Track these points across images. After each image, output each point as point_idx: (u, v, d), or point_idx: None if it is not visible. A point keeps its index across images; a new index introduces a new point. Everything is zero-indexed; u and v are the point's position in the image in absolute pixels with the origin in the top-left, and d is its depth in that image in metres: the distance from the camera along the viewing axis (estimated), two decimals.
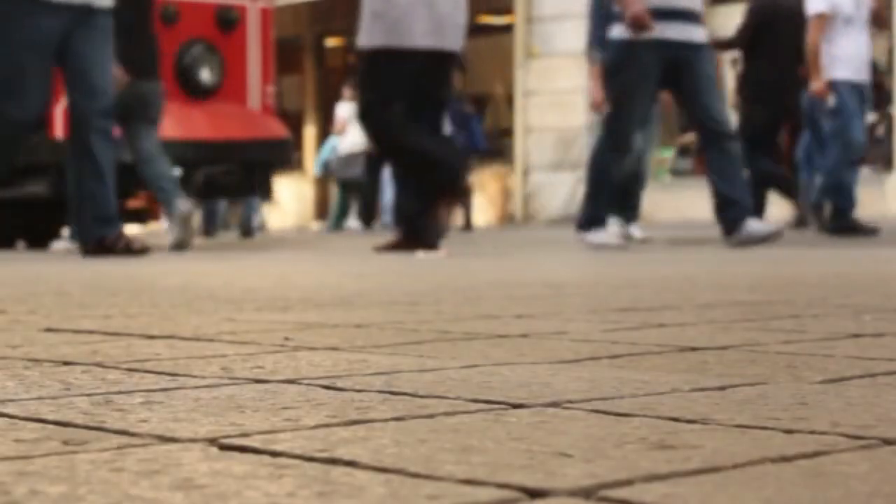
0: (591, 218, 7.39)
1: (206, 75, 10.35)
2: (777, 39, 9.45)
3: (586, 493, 0.90)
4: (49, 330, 2.27)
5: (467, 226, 15.51)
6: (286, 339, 2.06)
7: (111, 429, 1.19)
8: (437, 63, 6.89)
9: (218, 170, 10.26)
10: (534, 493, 0.90)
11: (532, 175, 19.33)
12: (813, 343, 1.95)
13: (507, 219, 20.11)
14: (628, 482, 0.93)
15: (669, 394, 1.40)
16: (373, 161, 15.83)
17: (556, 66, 18.95)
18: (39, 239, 11.07)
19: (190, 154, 10.04)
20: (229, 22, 10.53)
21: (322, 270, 5.12)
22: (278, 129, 10.80)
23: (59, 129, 9.90)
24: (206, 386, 1.50)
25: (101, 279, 4.32)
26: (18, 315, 2.61)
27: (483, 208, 20.85)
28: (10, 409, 1.32)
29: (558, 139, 18.59)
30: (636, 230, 9.70)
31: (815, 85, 9.07)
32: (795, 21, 9.39)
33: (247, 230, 15.38)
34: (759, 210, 8.19)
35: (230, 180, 10.57)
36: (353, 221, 18.13)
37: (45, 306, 2.88)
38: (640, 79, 7.12)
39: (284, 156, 10.91)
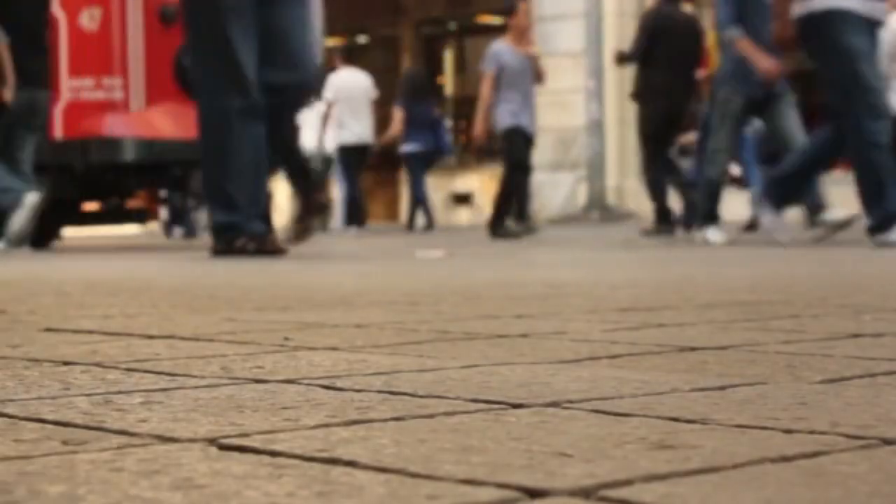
0: (887, 216, 6.71)
1: None
2: (670, 49, 10.27)
3: (586, 493, 0.90)
4: (49, 330, 2.27)
5: (429, 225, 15.50)
6: (286, 338, 2.06)
7: (111, 429, 1.19)
8: None
9: None
10: (533, 493, 0.90)
11: (532, 175, 19.31)
12: (812, 343, 1.95)
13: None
14: (628, 482, 0.93)
15: (669, 394, 1.40)
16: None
17: (556, 67, 18.94)
18: (38, 239, 11.09)
19: (188, 154, 10.09)
20: None
21: (321, 270, 5.12)
22: None
23: (58, 130, 9.88)
24: (205, 386, 1.50)
25: (101, 279, 4.32)
26: (18, 315, 2.61)
27: (483, 208, 20.83)
28: (9, 409, 1.32)
29: (558, 139, 18.58)
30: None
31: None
32: (689, 31, 10.39)
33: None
34: (712, 216, 8.40)
35: None
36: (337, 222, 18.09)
37: (44, 306, 2.88)
38: (859, 40, 6.86)
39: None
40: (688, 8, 11.03)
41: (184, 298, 3.13)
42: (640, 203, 16.72)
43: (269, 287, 3.75)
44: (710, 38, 11.25)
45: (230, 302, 2.99)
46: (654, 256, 6.20)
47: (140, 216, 11.70)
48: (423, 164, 15.77)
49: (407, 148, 15.56)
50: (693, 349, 1.87)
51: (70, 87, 9.81)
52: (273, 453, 1.06)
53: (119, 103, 9.82)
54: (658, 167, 10.58)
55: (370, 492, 0.91)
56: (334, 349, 1.90)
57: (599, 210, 18.21)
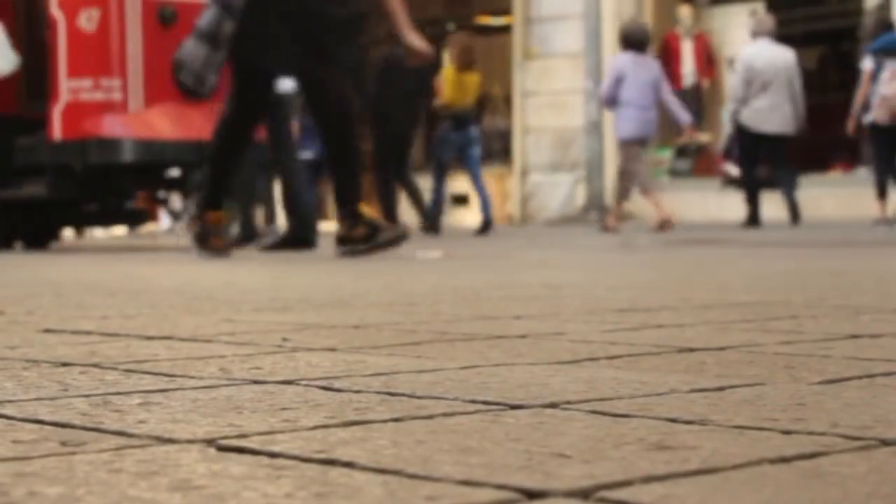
0: None
1: None
2: (395, 82, 12.30)
3: (585, 493, 0.90)
4: (47, 331, 2.27)
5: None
6: (284, 339, 2.06)
7: (109, 430, 1.19)
8: None
9: None
10: (532, 494, 0.90)
11: (530, 176, 19.32)
12: (811, 344, 1.95)
13: (505, 219, 20.10)
14: (627, 483, 0.93)
15: (668, 394, 1.40)
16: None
17: (555, 67, 18.94)
18: (37, 240, 11.02)
19: (187, 154, 9.99)
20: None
21: (320, 271, 5.12)
22: None
23: (57, 131, 9.80)
24: (204, 387, 1.50)
25: (100, 280, 4.32)
26: (17, 316, 2.61)
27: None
28: (8, 410, 1.32)
29: (557, 140, 18.58)
30: None
31: None
32: (411, 69, 11.78)
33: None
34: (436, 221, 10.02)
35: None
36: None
37: (43, 307, 2.88)
38: None
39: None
40: None
41: (182, 299, 3.13)
42: (639, 204, 16.73)
43: (267, 288, 3.75)
44: (445, 73, 13.16)
45: (229, 303, 2.99)
46: (653, 257, 6.20)
47: (138, 217, 11.72)
48: (312, 172, 16.05)
49: (304, 156, 15.93)
50: (691, 350, 1.87)
51: (69, 87, 9.78)
52: (271, 454, 1.05)
53: (118, 104, 9.79)
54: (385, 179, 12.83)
55: (368, 493, 0.91)
56: (333, 350, 1.90)
57: (598, 211, 18.22)
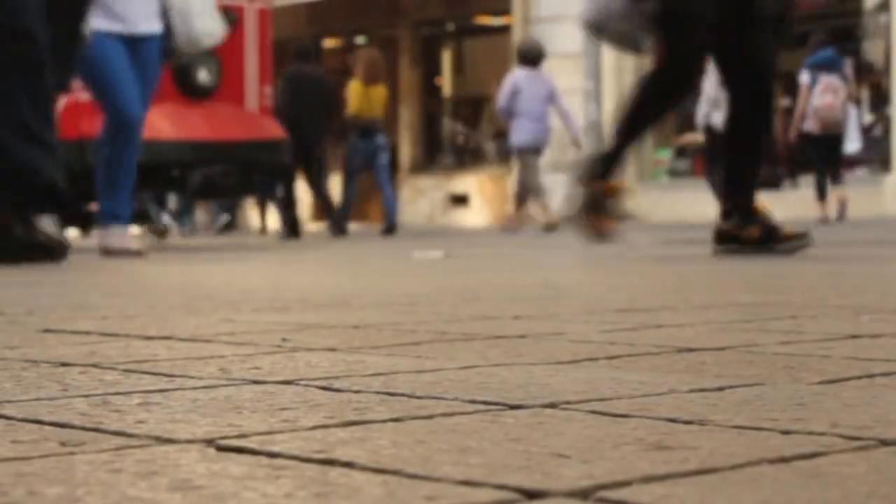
0: None
1: (203, 76, 10.29)
2: (302, 96, 13.51)
3: (584, 494, 0.90)
4: (47, 331, 2.27)
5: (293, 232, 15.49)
6: (284, 339, 2.06)
7: (109, 430, 1.19)
8: None
9: (216, 170, 10.19)
10: (531, 494, 0.90)
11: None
12: (811, 344, 1.95)
13: (504, 220, 20.08)
14: (626, 483, 0.93)
15: (667, 394, 1.40)
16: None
17: (554, 68, 18.94)
18: None
19: (187, 154, 9.94)
20: (226, 23, 10.54)
21: (320, 271, 5.12)
22: (275, 130, 10.75)
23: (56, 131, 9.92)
24: (203, 387, 1.50)
25: (99, 280, 4.32)
26: (16, 316, 2.61)
27: (481, 210, 20.84)
28: (7, 411, 1.32)
29: (556, 140, 18.58)
30: None
31: None
32: (318, 84, 13.80)
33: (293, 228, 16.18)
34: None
35: (228, 181, 10.47)
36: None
37: (42, 307, 2.88)
38: None
39: (280, 157, 10.88)
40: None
41: (182, 299, 3.13)
42: (639, 204, 16.71)
43: (266, 288, 3.75)
44: (351, 86, 14.16)
45: (228, 303, 2.99)
46: (653, 258, 6.20)
47: (137, 218, 11.69)
48: None
49: None
50: (691, 350, 1.87)
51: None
52: (271, 454, 1.06)
53: None
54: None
55: (368, 493, 0.91)
56: (332, 350, 1.90)
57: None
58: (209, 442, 1.12)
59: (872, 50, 17.45)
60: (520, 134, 14.20)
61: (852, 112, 15.37)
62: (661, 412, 1.27)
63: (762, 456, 1.03)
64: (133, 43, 7.24)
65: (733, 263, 5.19)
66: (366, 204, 21.06)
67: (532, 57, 14.35)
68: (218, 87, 10.38)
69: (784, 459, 1.02)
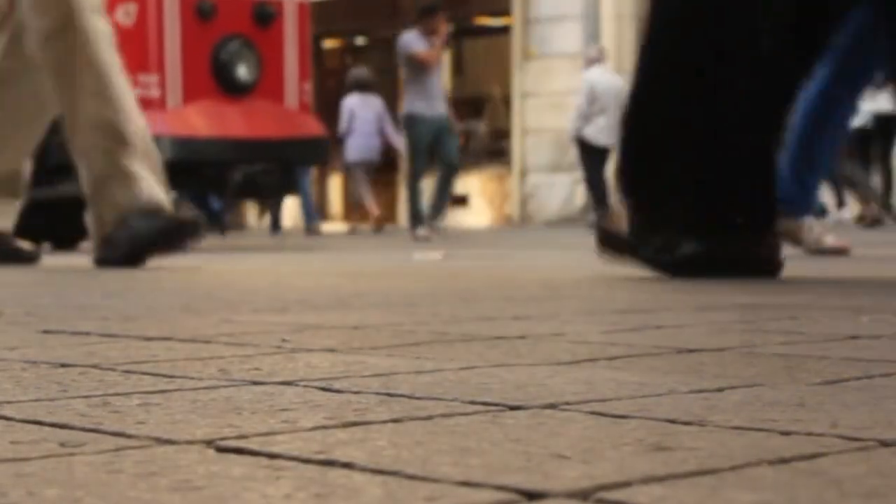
0: None
1: (242, 72, 9.93)
2: None
3: (583, 494, 0.90)
4: (46, 332, 2.27)
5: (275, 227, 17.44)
6: (284, 340, 2.06)
7: (108, 431, 1.19)
8: None
9: (256, 169, 9.84)
10: (531, 495, 0.90)
11: (529, 176, 19.33)
12: (810, 344, 1.95)
13: (504, 220, 20.09)
14: (625, 484, 0.93)
15: (666, 395, 1.40)
16: None
17: (554, 68, 18.95)
18: (66, 240, 10.64)
19: (226, 152, 9.64)
20: (266, 17, 10.06)
21: (320, 272, 5.12)
22: (315, 128, 10.41)
23: None
24: (203, 388, 1.50)
25: (99, 280, 4.32)
26: (16, 317, 2.61)
27: (481, 210, 20.84)
28: (7, 411, 1.32)
29: (556, 141, 18.58)
30: None
31: None
32: None
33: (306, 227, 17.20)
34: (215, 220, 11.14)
35: (269, 180, 10.10)
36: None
37: (42, 308, 2.88)
38: None
39: (321, 155, 10.59)
40: None
41: (182, 300, 3.13)
42: None
43: (266, 289, 3.75)
44: None
45: (228, 303, 2.99)
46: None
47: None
48: None
49: None
50: (690, 351, 1.87)
51: None
52: (271, 455, 1.06)
53: (155, 101, 9.45)
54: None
55: (367, 493, 0.91)
56: (332, 351, 1.90)
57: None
58: (209, 443, 1.12)
59: None
60: (352, 151, 16.78)
61: None
62: (660, 413, 1.27)
63: (762, 457, 1.03)
64: None
65: None
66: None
67: (362, 83, 17.02)
68: (257, 84, 10.01)
69: (783, 460, 1.02)
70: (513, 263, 5.88)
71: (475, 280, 4.17)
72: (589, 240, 5.93)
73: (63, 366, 1.73)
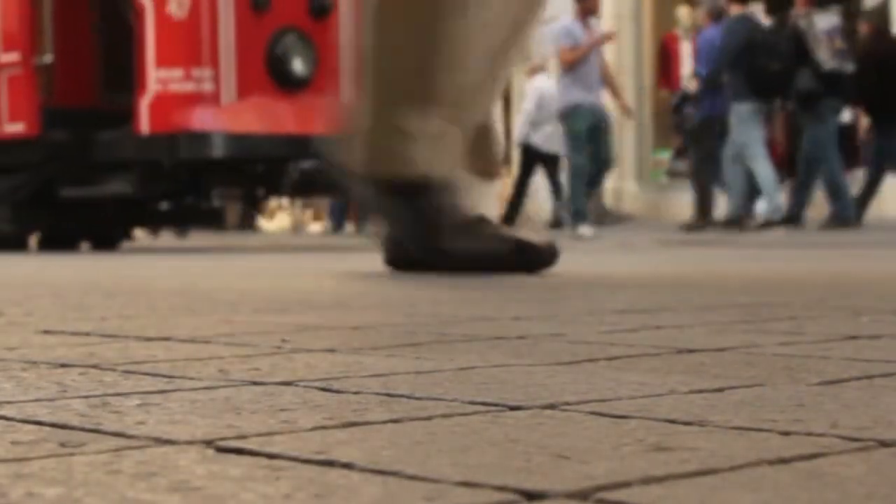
0: None
1: (298, 66, 9.54)
2: None
3: (583, 494, 0.90)
4: (46, 332, 2.27)
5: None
6: (283, 340, 2.06)
7: (108, 431, 1.19)
8: None
9: (314, 167, 9.32)
10: (531, 496, 0.90)
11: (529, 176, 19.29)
12: (810, 345, 1.95)
13: (503, 221, 20.07)
14: (625, 484, 0.93)
15: (666, 395, 1.40)
16: None
17: (553, 68, 18.92)
18: (107, 240, 10.38)
19: (280, 149, 9.26)
20: (322, 9, 9.66)
21: (320, 272, 5.12)
22: None
23: (144, 124, 9.07)
24: (202, 388, 1.50)
25: (98, 281, 4.32)
26: (15, 317, 2.61)
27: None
28: (6, 411, 1.32)
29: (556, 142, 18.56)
30: None
31: None
32: None
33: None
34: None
35: (327, 178, 9.90)
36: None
37: (41, 308, 2.88)
38: None
39: None
40: None
41: (181, 300, 3.13)
42: (639, 205, 16.70)
43: (266, 289, 3.75)
44: None
45: (228, 304, 2.99)
46: (652, 258, 6.20)
47: (217, 217, 10.87)
48: None
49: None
50: (691, 351, 1.87)
51: (157, 78, 9.11)
52: (270, 455, 1.05)
53: (209, 95, 9.12)
54: None
55: (367, 494, 0.91)
56: (331, 351, 1.90)
57: (597, 213, 18.20)
58: (208, 443, 1.12)
59: None
60: None
61: None
62: (660, 413, 1.27)
63: (762, 457, 1.03)
64: None
65: (732, 264, 5.19)
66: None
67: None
68: (313, 78, 9.60)
69: (783, 460, 1.02)
70: None
71: (475, 280, 4.16)
72: (587, 239, 5.89)
73: (63, 366, 1.73)
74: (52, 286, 3.94)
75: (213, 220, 11.28)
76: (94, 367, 1.72)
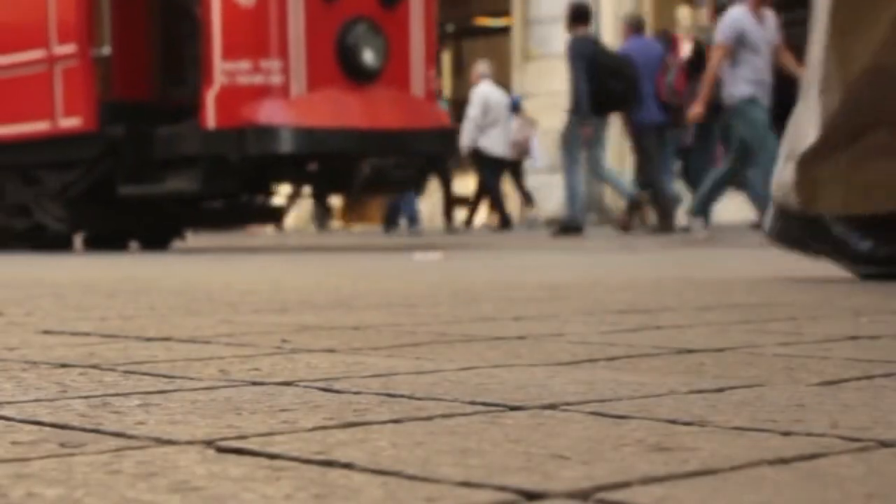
0: None
1: (369, 57, 9.07)
2: None
3: (583, 495, 0.90)
4: (46, 332, 2.27)
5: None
6: (283, 340, 2.06)
7: (108, 431, 1.19)
8: None
9: (388, 162, 9.03)
10: (531, 496, 0.90)
11: (529, 177, 19.31)
12: (810, 345, 1.95)
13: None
14: (625, 484, 0.93)
15: (667, 396, 1.40)
16: None
17: (553, 68, 18.93)
18: (157, 240, 9.80)
19: (351, 144, 8.86)
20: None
21: (319, 273, 5.12)
22: (444, 118, 9.63)
23: (210, 118, 8.64)
24: (203, 388, 1.50)
25: (98, 281, 4.32)
26: (16, 317, 2.61)
27: (482, 211, 20.82)
28: (7, 412, 1.32)
29: (555, 141, 18.58)
30: None
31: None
32: None
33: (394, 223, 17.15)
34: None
35: (402, 174, 9.24)
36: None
37: (42, 308, 2.88)
38: None
39: (450, 147, 9.76)
40: None
41: (181, 300, 3.13)
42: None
43: (266, 289, 3.75)
44: None
45: (228, 304, 2.99)
46: (652, 258, 6.20)
47: (275, 214, 10.51)
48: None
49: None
50: (690, 351, 1.87)
51: (224, 70, 8.71)
52: (270, 455, 1.05)
53: (278, 88, 8.70)
54: None
55: (367, 494, 0.91)
56: (332, 351, 1.90)
57: (597, 212, 18.21)
58: (209, 443, 1.12)
59: None
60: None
61: None
62: (660, 413, 1.27)
63: (762, 457, 1.03)
64: None
65: (732, 264, 5.19)
66: (368, 204, 21.08)
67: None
68: (383, 70, 9.16)
69: (784, 460, 1.02)
70: (513, 263, 5.88)
71: (475, 280, 4.17)
72: (587, 239, 5.89)
73: (63, 366, 1.73)
74: (52, 286, 3.94)
75: (273, 219, 10.83)
76: (95, 367, 1.72)
